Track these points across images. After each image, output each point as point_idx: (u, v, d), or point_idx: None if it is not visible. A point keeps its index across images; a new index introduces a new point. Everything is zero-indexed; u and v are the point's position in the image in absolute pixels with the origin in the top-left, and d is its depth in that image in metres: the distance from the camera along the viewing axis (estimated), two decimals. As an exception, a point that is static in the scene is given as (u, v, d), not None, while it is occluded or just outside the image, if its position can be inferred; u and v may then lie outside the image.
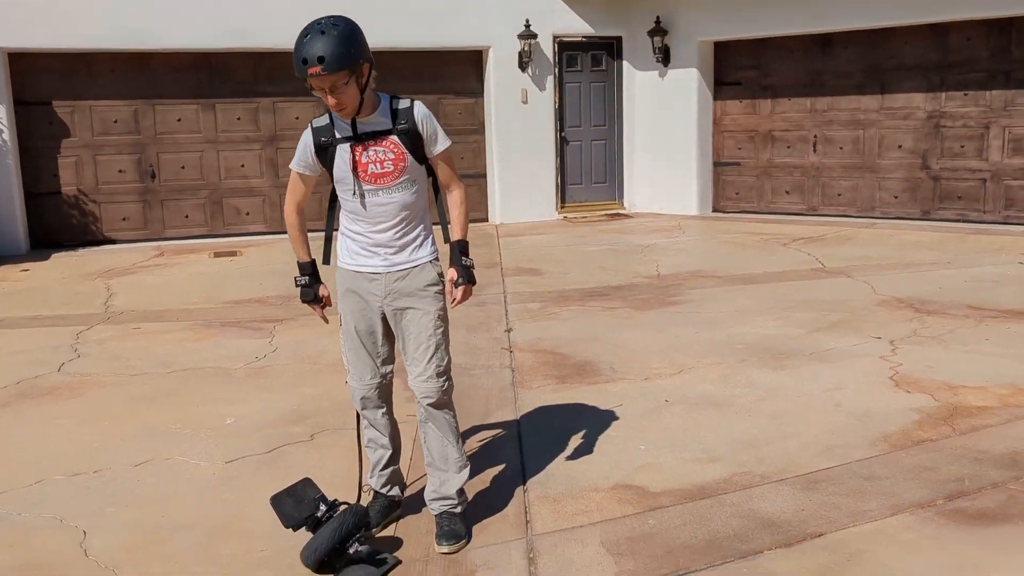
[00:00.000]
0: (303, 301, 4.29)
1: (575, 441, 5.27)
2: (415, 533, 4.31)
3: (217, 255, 11.75)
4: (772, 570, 3.79)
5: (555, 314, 8.02)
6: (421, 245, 4.12)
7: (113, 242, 12.62)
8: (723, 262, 10.39)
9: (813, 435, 5.10)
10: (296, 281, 4.28)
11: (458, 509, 4.30)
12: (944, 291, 8.44)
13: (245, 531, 4.40)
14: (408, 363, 4.16)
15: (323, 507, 3.99)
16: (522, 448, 5.24)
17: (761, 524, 4.18)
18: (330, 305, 4.30)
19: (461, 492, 4.29)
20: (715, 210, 14.64)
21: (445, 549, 4.14)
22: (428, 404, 4.15)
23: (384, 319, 4.14)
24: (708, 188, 14.55)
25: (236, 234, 13.06)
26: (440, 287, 4.13)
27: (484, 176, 13.92)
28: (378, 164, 3.95)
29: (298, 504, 4.03)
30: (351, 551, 3.91)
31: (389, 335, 4.20)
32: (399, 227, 4.04)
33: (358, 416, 4.33)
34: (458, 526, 4.23)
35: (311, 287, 4.27)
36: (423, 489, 4.32)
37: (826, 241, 11.39)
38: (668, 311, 8.20)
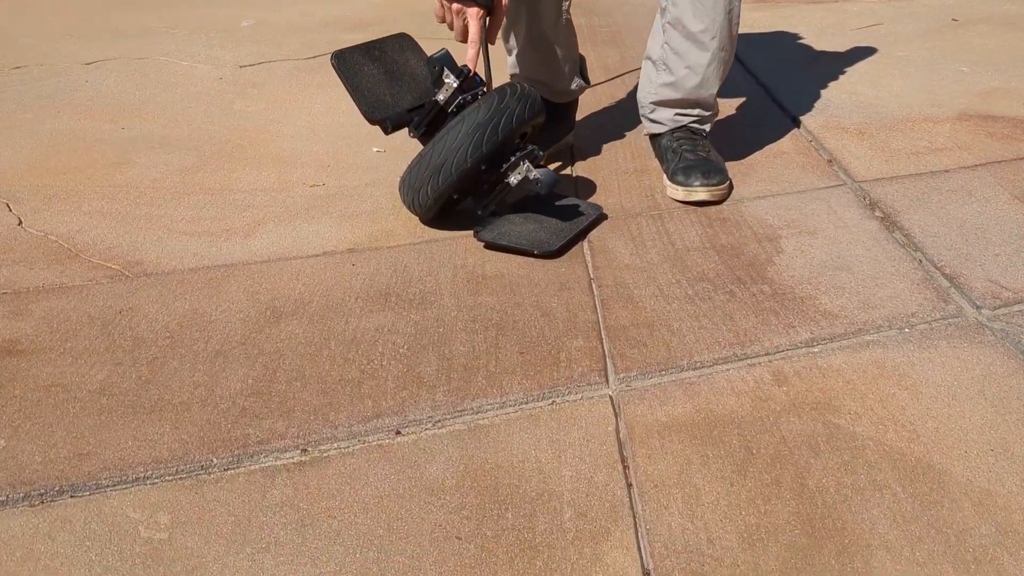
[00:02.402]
0: None
1: (846, 71, 3.01)
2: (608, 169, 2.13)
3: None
4: None
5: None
6: None
7: None
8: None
9: None
10: None
11: (707, 125, 2.12)
12: None
13: (276, 155, 2.25)
14: None
15: (449, 77, 1.80)
16: (746, 66, 2.99)
17: None
18: None
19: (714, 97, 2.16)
20: None
21: (701, 194, 2.00)
22: None
23: None
24: None
25: None
26: None
27: None
28: None
29: (390, 75, 1.86)
30: (518, 173, 1.79)
31: None
32: None
33: None
34: (712, 153, 2.08)
35: None
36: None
37: None
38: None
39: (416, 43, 2.03)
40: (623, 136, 2.50)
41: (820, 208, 2.04)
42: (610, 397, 1.38)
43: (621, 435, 1.29)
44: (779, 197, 2.11)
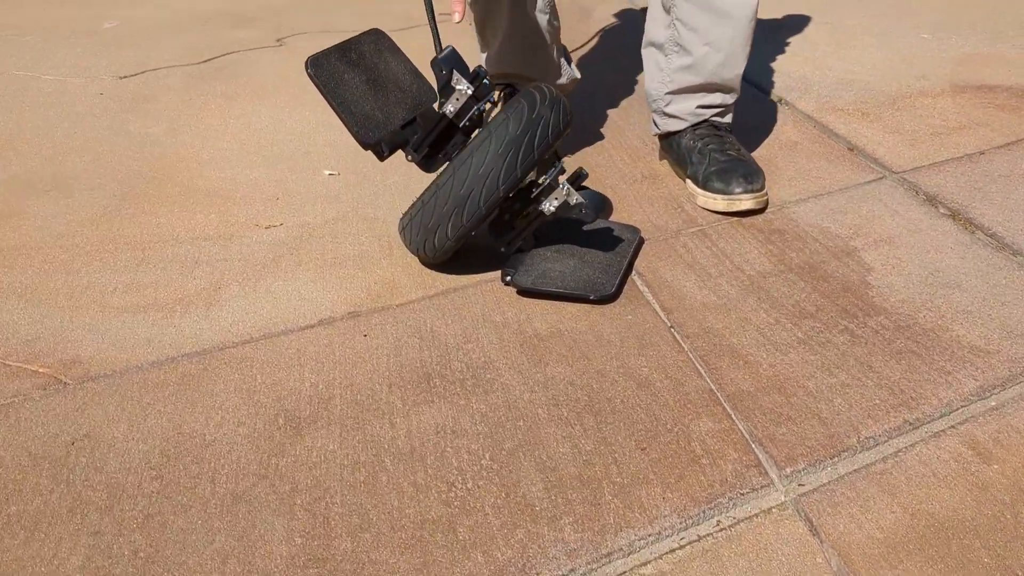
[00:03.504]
0: None
1: (805, 44, 2.78)
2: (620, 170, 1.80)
3: None
4: None
5: None
6: None
7: None
8: None
9: None
10: None
11: (729, 117, 1.81)
12: None
13: (207, 188, 1.80)
14: None
15: (462, 84, 1.41)
16: None
17: None
18: None
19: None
20: None
21: (747, 203, 1.70)
22: None
23: None
24: None
25: None
26: None
27: None
28: None
29: (374, 83, 1.47)
30: (555, 198, 1.41)
31: None
32: None
33: None
34: (743, 152, 1.77)
35: None
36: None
37: None
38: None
39: (392, 40, 1.62)
40: (606, 134, 2.15)
41: (878, 209, 1.76)
42: (792, 506, 1.04)
43: (834, 566, 0.95)
44: (824, 198, 1.82)
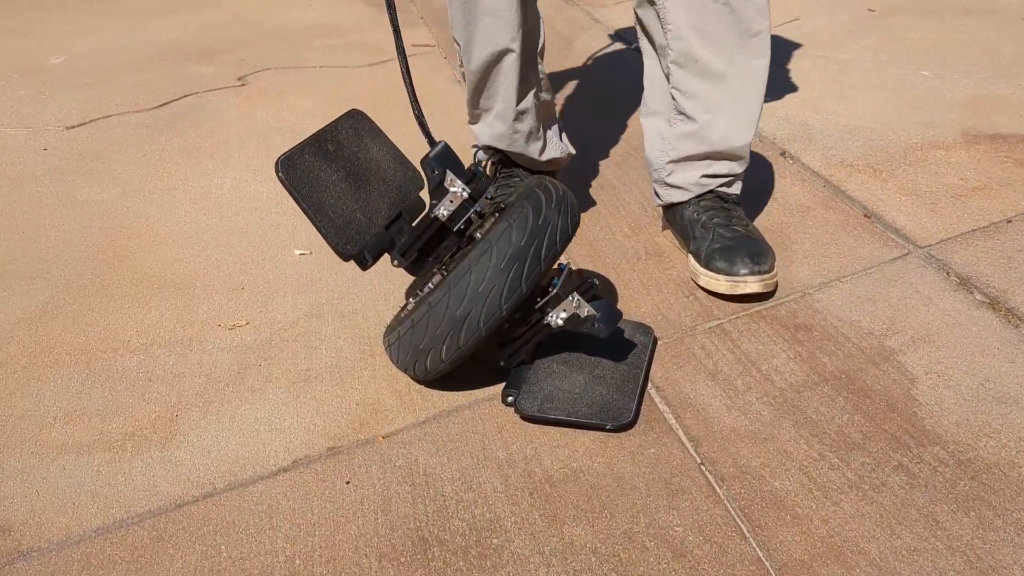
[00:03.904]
0: None
1: (799, 82, 2.65)
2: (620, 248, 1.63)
3: None
4: None
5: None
6: None
7: None
8: None
9: None
10: None
11: (738, 187, 1.64)
12: None
13: (162, 275, 1.60)
14: None
15: (456, 185, 1.22)
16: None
17: None
18: None
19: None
20: None
21: (753, 286, 1.56)
22: None
23: None
24: None
25: None
26: None
27: None
28: None
29: (354, 178, 1.27)
30: (563, 310, 1.22)
31: None
32: None
33: None
34: (751, 227, 1.61)
35: None
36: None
37: None
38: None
39: (371, 122, 1.43)
40: (601, 198, 1.97)
41: (909, 296, 1.60)
42: None
43: None
44: (848, 282, 1.65)
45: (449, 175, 1.28)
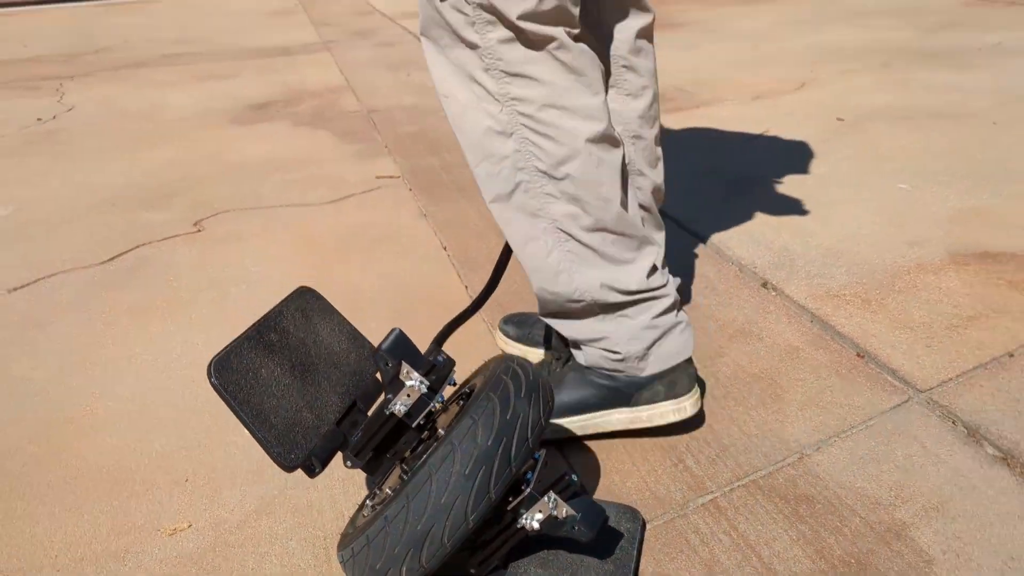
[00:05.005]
0: None
1: (777, 201, 2.59)
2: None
3: (-52, 23, 7.84)
4: None
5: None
6: None
7: None
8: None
9: None
10: None
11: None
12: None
13: (100, 468, 1.45)
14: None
15: (412, 378, 1.09)
16: (662, 210, 2.55)
17: None
18: None
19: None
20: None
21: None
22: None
23: None
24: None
25: (-26, 2, 8.99)
26: None
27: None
28: None
29: (300, 369, 1.13)
30: (539, 511, 1.09)
31: None
32: None
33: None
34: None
35: None
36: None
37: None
38: (679, 31, 5.52)
39: (322, 300, 1.30)
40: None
41: (916, 453, 1.46)
42: None
43: None
44: (848, 438, 1.52)
45: (405, 367, 1.15)
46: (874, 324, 1.89)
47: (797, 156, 3.01)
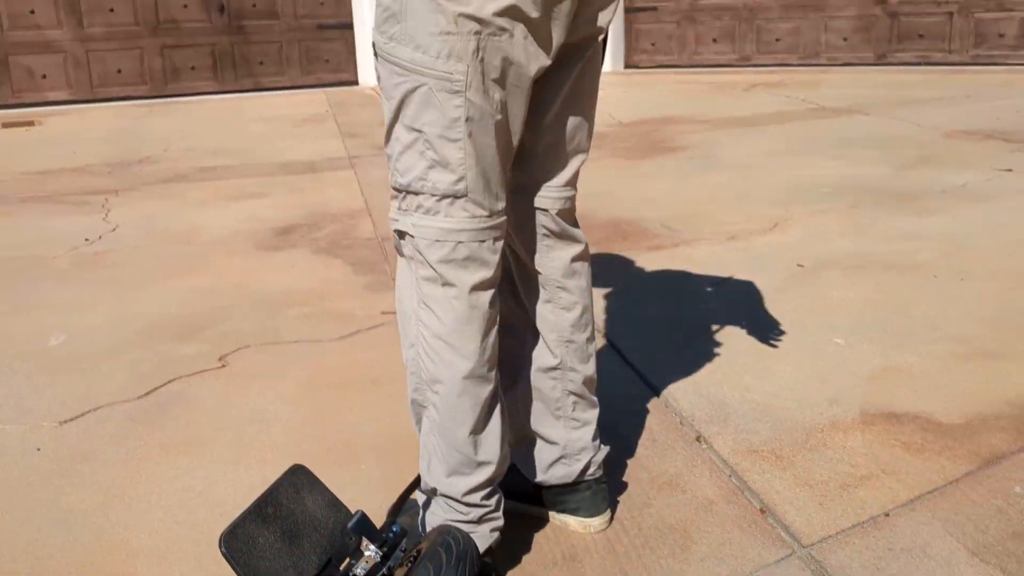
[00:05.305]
0: None
1: (725, 352, 3.05)
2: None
3: (6, 126, 8.48)
4: None
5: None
6: None
7: None
8: (690, 108, 8.14)
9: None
10: None
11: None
12: (1005, 121, 6.53)
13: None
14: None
15: (370, 549, 1.50)
16: (625, 358, 2.91)
17: None
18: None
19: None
20: (628, 66, 12.36)
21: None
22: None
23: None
24: (619, 40, 12.21)
25: (30, 104, 9.67)
26: None
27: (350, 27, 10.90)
28: None
29: (290, 535, 1.55)
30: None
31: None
32: None
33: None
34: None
35: None
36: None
37: (790, 85, 9.33)
38: (674, 157, 5.99)
39: (312, 476, 1.70)
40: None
41: (785, 605, 1.82)
42: None
43: None
44: (735, 589, 1.87)
45: (364, 540, 1.54)
46: (781, 481, 2.25)
47: (752, 305, 3.40)
